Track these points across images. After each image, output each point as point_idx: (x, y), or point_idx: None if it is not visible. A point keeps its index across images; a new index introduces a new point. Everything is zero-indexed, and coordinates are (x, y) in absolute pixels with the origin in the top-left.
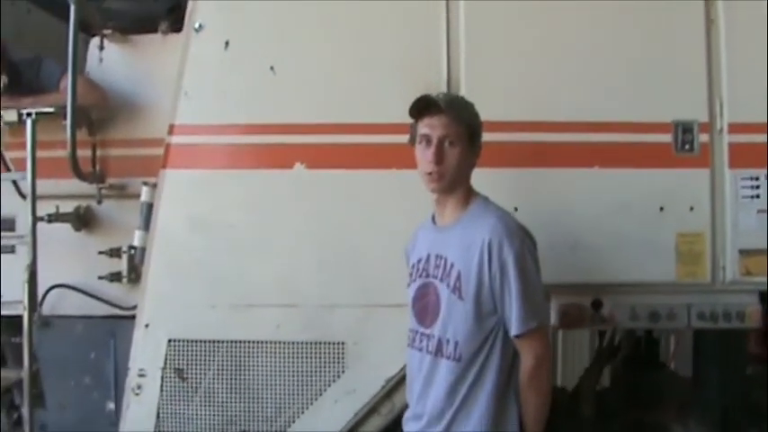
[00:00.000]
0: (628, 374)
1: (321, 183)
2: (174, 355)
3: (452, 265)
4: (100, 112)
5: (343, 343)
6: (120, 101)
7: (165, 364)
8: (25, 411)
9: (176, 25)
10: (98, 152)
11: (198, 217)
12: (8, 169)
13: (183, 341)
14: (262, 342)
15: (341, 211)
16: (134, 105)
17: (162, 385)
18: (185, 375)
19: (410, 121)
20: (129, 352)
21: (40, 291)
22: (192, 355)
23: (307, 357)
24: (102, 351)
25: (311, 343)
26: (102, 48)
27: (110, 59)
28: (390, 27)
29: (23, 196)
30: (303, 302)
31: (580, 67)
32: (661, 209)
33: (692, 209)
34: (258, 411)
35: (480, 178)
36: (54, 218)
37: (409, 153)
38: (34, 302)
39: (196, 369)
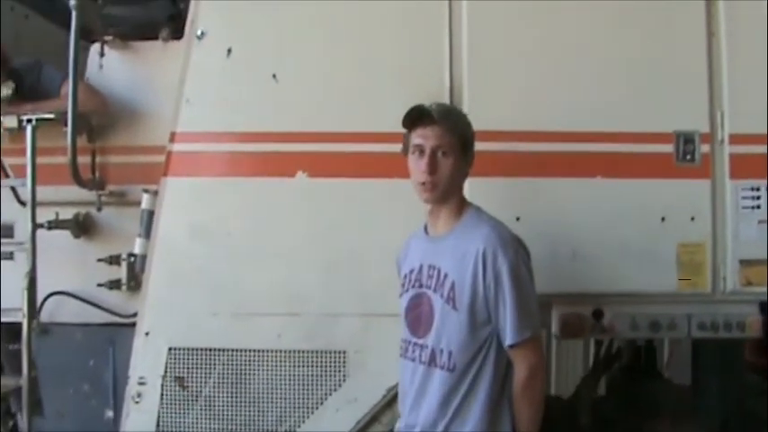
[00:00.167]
0: (626, 383)
1: (323, 191)
2: (175, 363)
3: (446, 276)
4: (100, 119)
5: (344, 352)
6: (120, 108)
7: (166, 372)
8: (23, 419)
9: (177, 32)
10: (98, 159)
11: (199, 225)
12: (7, 176)
13: (184, 349)
14: (263, 351)
15: (343, 220)
16: (134, 112)
17: (162, 393)
18: (186, 384)
19: None
20: (128, 360)
21: (39, 298)
22: (192, 364)
23: (308, 366)
24: (101, 359)
25: (313, 352)
26: (102, 54)
27: (110, 66)
28: (393, 36)
29: (23, 203)
30: (305, 311)
31: (582, 78)
32: (662, 219)
33: (692, 219)
34: (259, 420)
35: (482, 188)
36: (53, 225)
37: None
38: (33, 309)
39: (197, 377)
